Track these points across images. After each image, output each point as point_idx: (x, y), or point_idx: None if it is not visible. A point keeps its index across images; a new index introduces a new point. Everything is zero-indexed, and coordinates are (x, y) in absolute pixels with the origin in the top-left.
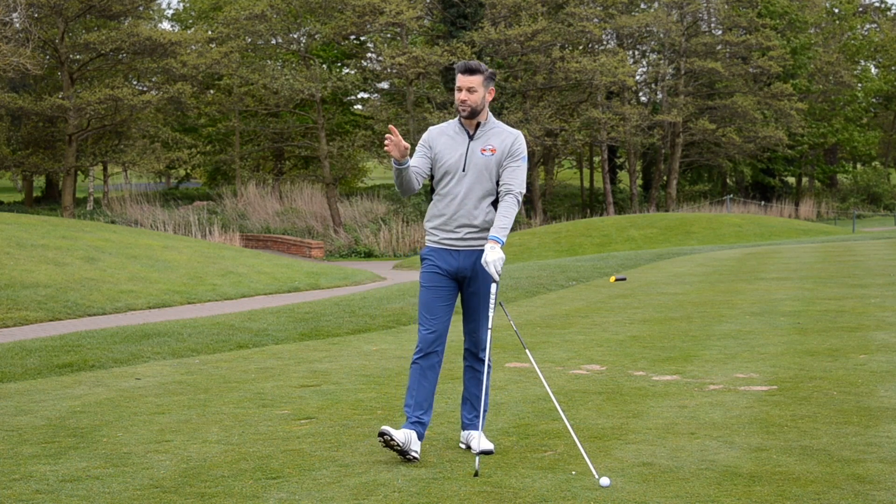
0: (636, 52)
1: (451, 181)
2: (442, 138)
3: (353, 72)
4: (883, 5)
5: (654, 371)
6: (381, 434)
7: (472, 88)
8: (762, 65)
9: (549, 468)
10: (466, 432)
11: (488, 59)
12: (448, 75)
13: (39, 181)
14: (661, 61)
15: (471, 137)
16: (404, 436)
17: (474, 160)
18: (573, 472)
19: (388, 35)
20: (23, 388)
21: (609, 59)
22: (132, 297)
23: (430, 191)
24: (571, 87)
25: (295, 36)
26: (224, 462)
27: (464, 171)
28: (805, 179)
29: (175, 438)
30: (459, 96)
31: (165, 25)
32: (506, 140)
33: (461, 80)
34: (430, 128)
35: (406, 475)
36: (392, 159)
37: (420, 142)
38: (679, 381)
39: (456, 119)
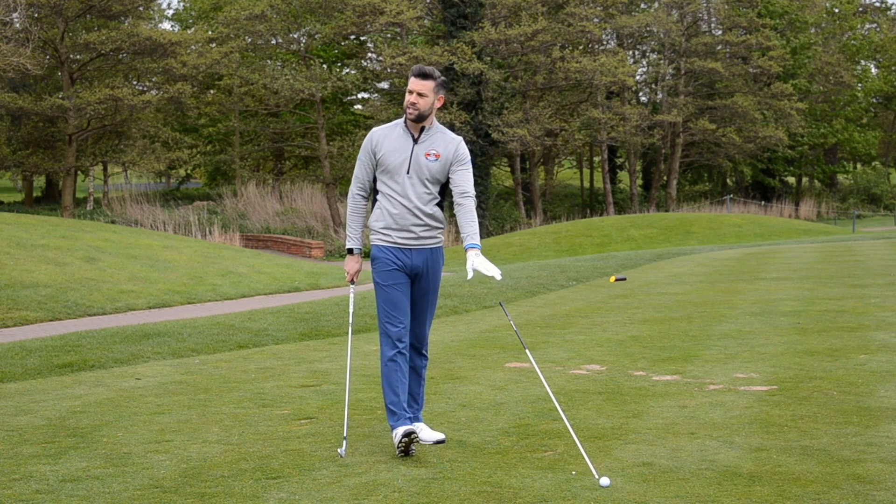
0: (636, 52)
1: (395, 183)
2: (386, 141)
3: (353, 72)
4: (883, 5)
5: (654, 371)
6: (410, 440)
7: (423, 93)
8: (762, 65)
9: (549, 468)
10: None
11: (488, 59)
12: (448, 75)
13: (39, 181)
14: (661, 61)
15: (415, 141)
16: (411, 432)
17: (418, 163)
18: (573, 472)
19: (388, 35)
20: (23, 388)
21: (609, 59)
22: (132, 297)
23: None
24: (571, 87)
25: (295, 36)
26: (224, 462)
27: (408, 173)
28: (805, 179)
29: (175, 438)
30: (409, 98)
31: (165, 25)
32: (449, 146)
33: (413, 83)
34: (374, 130)
35: (406, 475)
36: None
37: (363, 148)
38: (679, 381)
39: (401, 120)
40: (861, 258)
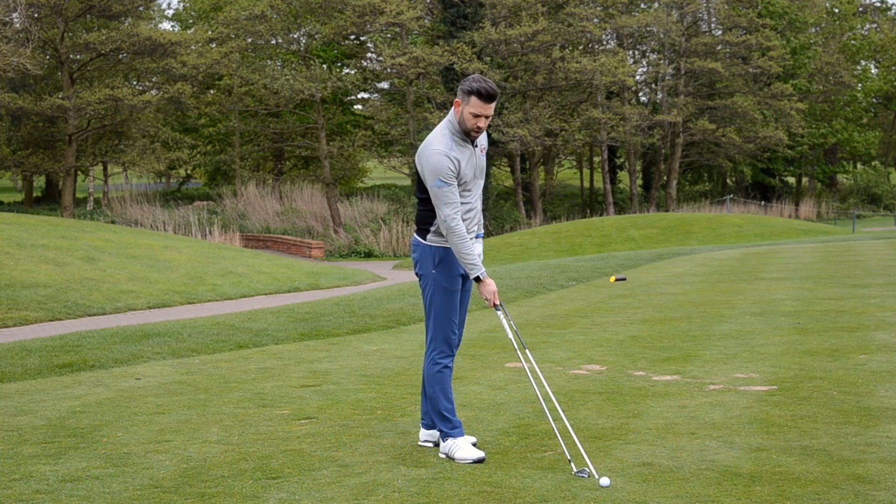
0: (636, 52)
1: (468, 192)
2: (460, 155)
3: (353, 72)
4: (883, 5)
5: (654, 371)
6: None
7: (489, 115)
8: (762, 65)
9: (549, 468)
10: (434, 431)
11: (488, 59)
12: (448, 75)
13: (39, 181)
14: (661, 61)
15: (474, 145)
16: (477, 452)
17: (480, 165)
18: (573, 472)
19: (388, 35)
20: (23, 388)
21: (609, 59)
22: (132, 297)
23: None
24: (571, 87)
25: (295, 36)
26: (224, 462)
27: (475, 177)
28: (805, 179)
29: (175, 438)
30: (477, 122)
31: (165, 25)
32: (483, 134)
33: (484, 107)
34: (445, 150)
35: (406, 475)
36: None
37: (445, 173)
38: (679, 381)
39: (448, 128)
40: (861, 258)
